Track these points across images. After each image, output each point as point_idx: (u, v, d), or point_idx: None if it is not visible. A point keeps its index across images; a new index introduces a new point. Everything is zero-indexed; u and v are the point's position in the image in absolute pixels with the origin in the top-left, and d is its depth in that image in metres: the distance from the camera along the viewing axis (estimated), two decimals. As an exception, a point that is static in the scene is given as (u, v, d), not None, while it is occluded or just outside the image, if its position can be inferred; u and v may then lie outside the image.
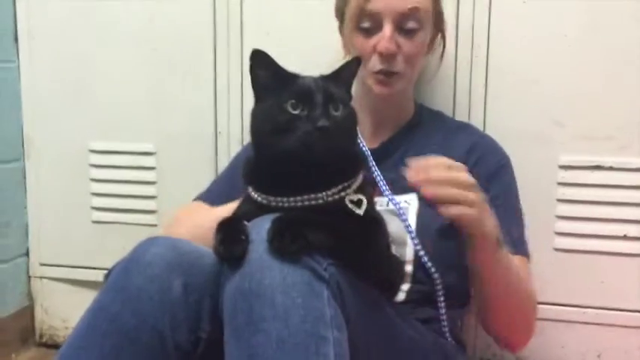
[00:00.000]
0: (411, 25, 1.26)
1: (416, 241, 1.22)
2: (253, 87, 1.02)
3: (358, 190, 1.02)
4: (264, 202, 1.00)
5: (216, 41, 1.68)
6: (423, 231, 1.23)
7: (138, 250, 0.98)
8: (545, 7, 1.49)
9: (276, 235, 0.90)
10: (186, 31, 1.70)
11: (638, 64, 1.47)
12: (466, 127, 1.44)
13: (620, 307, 1.54)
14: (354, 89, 1.39)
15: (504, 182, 1.34)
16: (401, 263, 1.19)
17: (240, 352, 0.86)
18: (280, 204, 0.98)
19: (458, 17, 1.53)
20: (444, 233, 1.26)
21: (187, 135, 1.74)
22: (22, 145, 1.86)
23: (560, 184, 1.53)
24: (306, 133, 0.94)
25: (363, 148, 1.33)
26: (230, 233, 0.94)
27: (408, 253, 1.24)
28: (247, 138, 1.04)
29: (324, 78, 1.03)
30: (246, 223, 0.96)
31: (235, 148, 1.68)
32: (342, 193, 0.99)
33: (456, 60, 1.55)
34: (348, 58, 1.32)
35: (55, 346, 1.91)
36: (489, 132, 1.49)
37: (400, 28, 1.26)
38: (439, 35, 1.40)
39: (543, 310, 1.57)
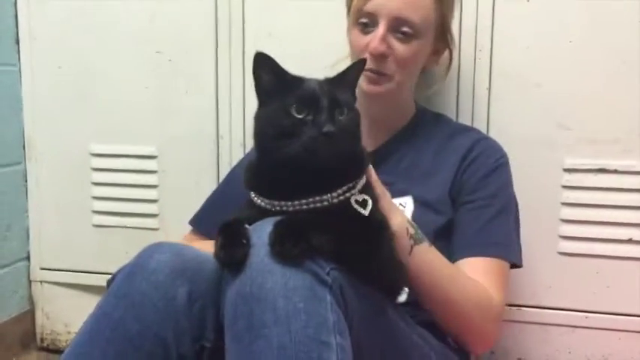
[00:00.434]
0: (405, 29, 1.25)
1: None
2: (257, 90, 1.01)
3: (363, 190, 1.01)
4: (268, 207, 0.98)
5: (218, 43, 1.67)
6: None
7: (142, 255, 0.97)
8: (549, 9, 1.48)
9: (277, 239, 0.89)
10: (188, 32, 1.70)
11: (643, 66, 1.46)
12: (468, 130, 1.43)
13: (626, 312, 1.53)
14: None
15: (498, 182, 1.32)
16: (404, 266, 1.18)
17: (241, 358, 0.85)
18: (285, 208, 0.97)
19: (461, 19, 1.52)
20: (439, 234, 1.26)
21: (189, 138, 1.73)
22: (24, 148, 1.85)
23: (564, 187, 1.52)
24: (311, 138, 0.92)
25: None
26: (231, 237, 0.93)
27: None
28: (249, 141, 1.02)
29: (329, 81, 1.01)
30: (247, 226, 0.94)
31: (237, 152, 1.68)
32: (348, 194, 0.98)
33: (459, 62, 1.53)
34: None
35: (57, 351, 1.90)
36: (493, 135, 1.47)
37: (395, 30, 1.26)
38: (446, 50, 1.40)
39: (547, 315, 1.57)
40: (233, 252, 0.90)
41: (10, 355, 1.83)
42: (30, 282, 1.90)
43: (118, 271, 0.98)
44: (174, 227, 1.75)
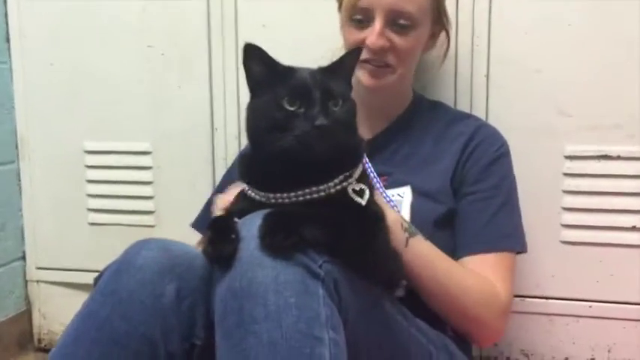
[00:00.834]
0: (403, 21, 1.23)
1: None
2: (248, 82, 0.98)
3: (359, 180, 0.98)
4: (263, 199, 0.95)
5: (211, 35, 1.64)
6: (417, 223, 1.19)
7: (129, 252, 0.94)
8: (548, -7, 1.46)
9: (267, 231, 0.86)
10: (180, 25, 1.67)
11: (644, 50, 1.43)
12: (467, 117, 1.40)
13: (630, 301, 1.50)
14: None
15: (501, 172, 1.30)
16: (401, 257, 1.15)
17: (231, 355, 0.82)
18: (280, 200, 0.94)
19: (457, 5, 1.49)
20: (439, 224, 1.23)
21: (183, 132, 1.70)
22: (16, 147, 1.83)
23: (566, 174, 1.49)
24: (304, 132, 0.89)
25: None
26: (219, 232, 0.90)
27: None
28: (245, 134, 0.99)
29: (322, 71, 0.98)
30: (237, 220, 0.92)
31: (232, 144, 1.65)
32: (345, 183, 0.95)
33: (456, 49, 1.51)
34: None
35: (54, 351, 1.88)
36: (492, 123, 1.44)
37: (392, 23, 1.23)
38: (442, 32, 1.37)
39: (551, 305, 1.55)
40: (221, 247, 0.87)
41: (7, 356, 1.81)
42: (26, 282, 1.88)
43: (106, 269, 0.95)
44: (171, 224, 1.73)
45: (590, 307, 1.52)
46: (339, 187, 0.94)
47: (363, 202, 0.95)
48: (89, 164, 1.78)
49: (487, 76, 1.51)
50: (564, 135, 1.48)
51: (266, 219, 0.87)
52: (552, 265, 1.53)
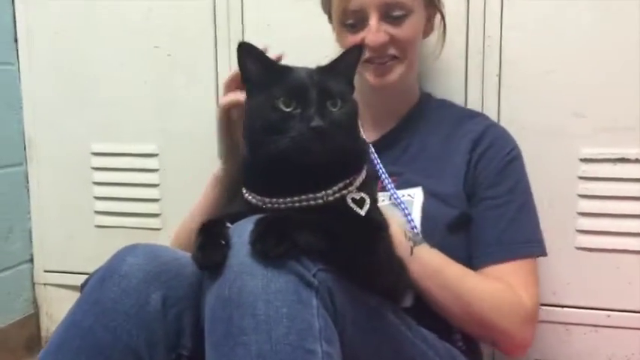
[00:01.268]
0: (397, 12, 1.19)
1: (418, 232, 1.15)
2: (244, 81, 0.95)
3: (361, 188, 0.94)
4: (259, 203, 0.92)
5: (217, 35, 1.62)
6: (428, 225, 1.16)
7: (114, 259, 0.92)
8: (561, -8, 1.40)
9: (259, 237, 0.82)
10: (186, 25, 1.65)
11: (661, 49, 1.37)
12: (475, 116, 1.35)
13: (649, 310, 1.44)
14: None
15: (515, 176, 1.25)
16: (405, 268, 1.11)
17: None
18: (276, 205, 0.91)
19: (468, 5, 1.44)
20: (452, 228, 1.19)
21: (190, 134, 1.68)
22: (24, 149, 1.82)
23: (581, 178, 1.44)
24: (299, 133, 0.86)
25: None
26: (209, 238, 0.87)
27: None
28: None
29: (321, 70, 0.95)
30: (229, 225, 0.88)
31: (238, 147, 1.62)
32: (344, 191, 0.92)
33: (466, 50, 1.46)
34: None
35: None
36: (504, 124, 1.39)
37: (387, 16, 1.19)
38: (437, 13, 1.32)
39: (568, 314, 1.49)
40: (210, 253, 0.84)
41: (14, 359, 1.81)
42: (34, 284, 1.87)
43: (92, 274, 0.93)
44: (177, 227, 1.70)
45: (608, 316, 1.46)
46: (337, 196, 0.91)
47: (363, 212, 0.91)
48: (96, 166, 1.77)
49: (499, 76, 1.46)
50: (579, 137, 1.42)
51: (257, 224, 0.84)
52: (567, 272, 1.47)
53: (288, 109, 0.88)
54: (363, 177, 0.95)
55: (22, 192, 1.83)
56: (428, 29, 1.32)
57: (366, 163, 0.98)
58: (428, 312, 1.16)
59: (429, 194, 1.21)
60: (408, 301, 1.16)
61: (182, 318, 0.90)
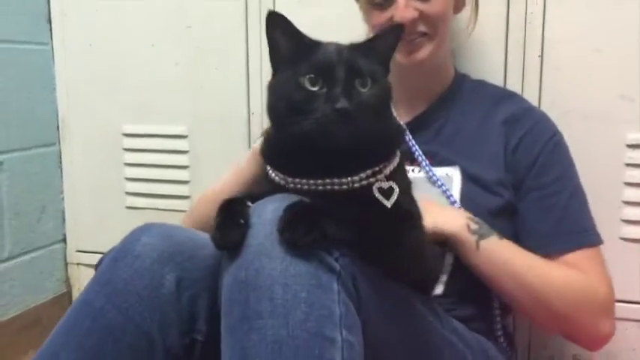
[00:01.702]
0: None
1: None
2: (270, 55, 0.90)
3: (392, 176, 0.88)
4: (282, 182, 0.88)
5: (248, 14, 1.58)
6: (469, 209, 1.11)
7: (128, 238, 0.89)
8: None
9: (287, 225, 0.78)
10: (217, 5, 1.61)
11: None
12: (512, 97, 1.29)
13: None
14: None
15: (562, 163, 1.19)
16: (440, 256, 1.06)
17: (233, 352, 0.75)
18: (299, 186, 0.86)
19: (509, -21, 1.38)
20: (494, 214, 1.14)
21: (220, 115, 1.66)
22: (58, 129, 1.82)
23: (627, 165, 1.36)
24: (323, 115, 0.81)
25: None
26: (228, 217, 0.83)
27: None
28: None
29: (353, 47, 0.88)
30: (249, 204, 0.85)
31: (268, 129, 1.59)
32: (372, 179, 0.86)
33: (507, 29, 1.40)
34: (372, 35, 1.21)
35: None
36: (545, 108, 1.33)
37: None
38: None
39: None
40: (229, 233, 0.80)
41: (47, 338, 1.82)
42: (66, 264, 1.88)
43: (106, 254, 0.90)
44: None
45: (653, 310, 1.39)
46: (364, 183, 0.85)
47: (389, 204, 0.85)
48: (127, 147, 1.76)
49: (541, 56, 1.39)
50: (626, 122, 1.35)
51: (287, 211, 0.79)
52: (611, 263, 1.36)
53: (313, 89, 0.83)
54: (395, 165, 0.90)
55: (55, 172, 1.83)
56: (459, 4, 1.26)
57: (399, 149, 0.93)
58: (461, 301, 1.12)
59: (467, 177, 1.17)
60: (438, 289, 1.11)
61: (197, 301, 0.87)
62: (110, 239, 1.83)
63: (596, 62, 1.35)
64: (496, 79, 1.39)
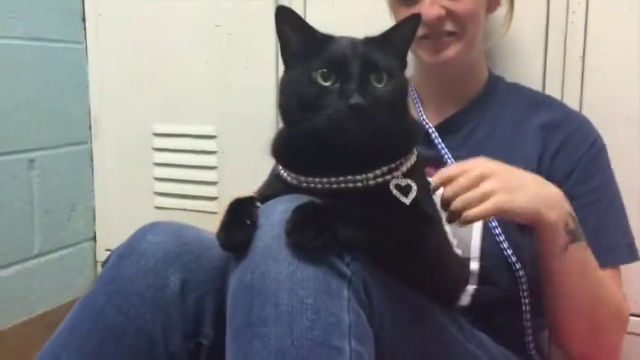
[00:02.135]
0: None
1: (495, 227, 1.04)
2: (282, 51, 0.87)
3: (409, 175, 0.84)
4: (294, 182, 0.85)
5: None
6: (497, 220, 1.05)
7: (135, 236, 0.86)
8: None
9: (296, 227, 0.74)
10: (247, 3, 1.59)
11: None
12: (549, 102, 1.21)
13: None
14: (414, 62, 1.22)
15: (602, 171, 1.12)
16: (465, 264, 1.00)
17: (235, 359, 0.71)
18: (312, 185, 0.83)
19: (550, -25, 1.30)
20: (524, 227, 1.06)
21: (248, 115, 1.63)
22: (90, 128, 1.83)
23: (673, 172, 1.27)
24: (336, 111, 0.77)
25: (427, 126, 1.15)
26: (235, 216, 0.79)
27: (474, 245, 1.05)
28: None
29: (368, 41, 0.85)
30: (258, 205, 0.81)
31: (295, 130, 1.56)
32: (388, 177, 0.82)
33: (547, 26, 1.32)
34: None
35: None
36: (587, 113, 1.25)
37: None
38: None
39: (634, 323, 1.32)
40: (234, 233, 0.77)
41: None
42: (96, 262, 1.89)
43: (113, 252, 0.88)
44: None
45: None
46: (380, 180, 0.81)
47: (407, 201, 0.81)
48: (157, 147, 1.75)
49: (583, 57, 1.31)
50: (675, 127, 1.26)
51: (295, 212, 0.76)
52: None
53: (326, 84, 0.79)
54: (412, 162, 0.86)
55: (87, 170, 1.84)
56: (493, 4, 1.19)
57: (416, 146, 0.88)
58: (489, 313, 1.05)
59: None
60: (464, 300, 1.05)
61: (203, 304, 0.84)
62: (138, 239, 1.83)
63: (641, 63, 1.27)
64: (534, 82, 1.32)
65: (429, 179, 0.92)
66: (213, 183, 1.70)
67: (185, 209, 1.74)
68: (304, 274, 0.72)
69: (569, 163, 1.11)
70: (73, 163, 1.80)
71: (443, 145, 1.14)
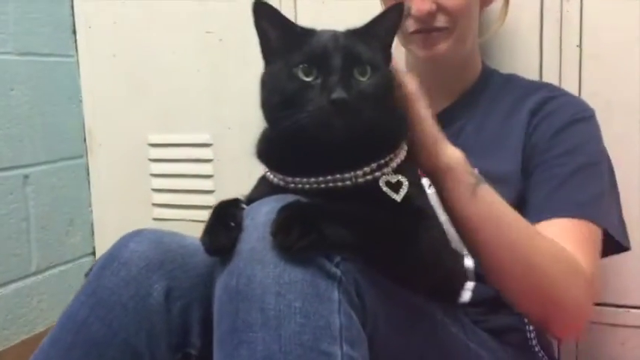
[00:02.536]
0: None
1: None
2: (261, 47, 0.85)
3: (399, 170, 0.81)
4: (281, 183, 0.82)
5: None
6: None
7: (117, 245, 0.84)
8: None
9: (280, 227, 0.71)
10: (237, 8, 1.56)
11: None
12: (543, 87, 1.16)
13: None
14: (404, 55, 1.19)
15: (578, 137, 1.04)
16: (458, 260, 0.96)
17: None
18: (300, 185, 0.79)
19: (543, -37, 1.28)
20: None
21: (242, 123, 1.61)
22: (84, 141, 1.81)
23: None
24: (318, 108, 0.74)
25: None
26: (219, 219, 0.77)
27: None
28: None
29: (350, 33, 0.82)
30: (244, 207, 0.78)
31: (290, 134, 1.53)
32: (377, 173, 0.79)
33: (541, 16, 1.30)
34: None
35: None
36: (585, 99, 1.21)
37: None
38: None
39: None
40: (218, 236, 0.74)
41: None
42: (95, 278, 1.86)
43: (96, 261, 0.85)
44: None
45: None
46: (369, 177, 0.78)
47: (398, 198, 0.78)
48: (153, 157, 1.73)
49: (580, 46, 1.28)
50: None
51: (280, 213, 0.72)
52: None
53: (307, 79, 0.76)
54: (402, 158, 0.82)
55: (83, 184, 1.82)
56: None
57: (405, 140, 0.85)
58: (492, 311, 1.02)
59: (486, 178, 1.06)
60: (465, 295, 1.02)
61: (189, 313, 0.81)
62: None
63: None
64: (531, 73, 1.29)
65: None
66: (210, 192, 1.68)
67: (184, 219, 1.71)
68: (291, 276, 0.69)
69: (545, 134, 1.05)
70: (69, 178, 1.78)
71: None
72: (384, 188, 0.78)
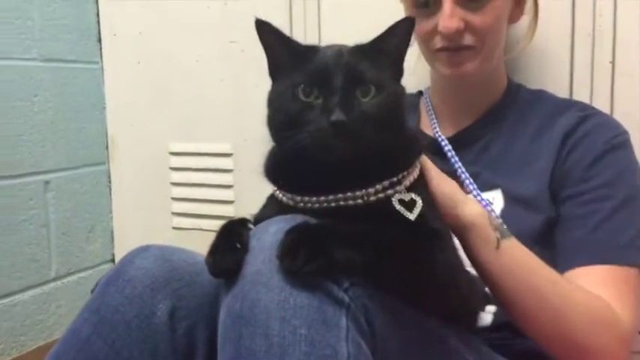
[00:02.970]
0: None
1: None
2: (268, 64, 0.82)
3: (413, 189, 0.78)
4: (290, 202, 0.79)
5: (292, 28, 1.51)
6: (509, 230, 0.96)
7: (123, 261, 0.81)
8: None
9: (287, 251, 0.68)
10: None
11: None
12: (572, 106, 1.11)
13: None
14: (430, 73, 1.16)
15: (616, 167, 1.01)
16: (475, 283, 0.92)
17: None
18: (309, 205, 0.77)
19: (575, -23, 1.23)
20: (538, 238, 0.98)
21: (262, 133, 1.57)
22: (107, 148, 1.81)
23: None
24: (317, 129, 0.72)
25: (439, 138, 1.08)
26: (225, 240, 0.74)
27: None
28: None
29: (355, 49, 0.78)
30: (251, 226, 0.76)
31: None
32: (390, 191, 0.76)
33: (572, 32, 1.25)
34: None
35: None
36: (618, 119, 1.16)
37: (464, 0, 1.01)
38: None
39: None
40: (223, 258, 0.72)
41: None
42: (114, 285, 1.85)
43: (101, 278, 0.83)
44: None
45: None
46: (381, 196, 0.75)
47: (412, 217, 0.75)
48: (174, 166, 1.72)
49: (613, 62, 1.23)
50: None
51: (288, 235, 0.70)
52: None
53: (308, 99, 0.74)
54: (415, 176, 0.80)
55: (104, 191, 1.82)
56: (516, 14, 1.12)
57: (419, 159, 0.82)
58: (515, 334, 0.97)
59: (509, 199, 1.03)
60: (486, 319, 0.98)
61: (195, 333, 0.79)
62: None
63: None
64: (561, 90, 1.24)
65: None
66: (230, 202, 1.66)
67: (202, 229, 1.70)
68: (297, 301, 0.66)
69: (580, 163, 1.02)
70: (90, 184, 1.78)
71: (457, 159, 1.07)
72: (398, 207, 0.75)
